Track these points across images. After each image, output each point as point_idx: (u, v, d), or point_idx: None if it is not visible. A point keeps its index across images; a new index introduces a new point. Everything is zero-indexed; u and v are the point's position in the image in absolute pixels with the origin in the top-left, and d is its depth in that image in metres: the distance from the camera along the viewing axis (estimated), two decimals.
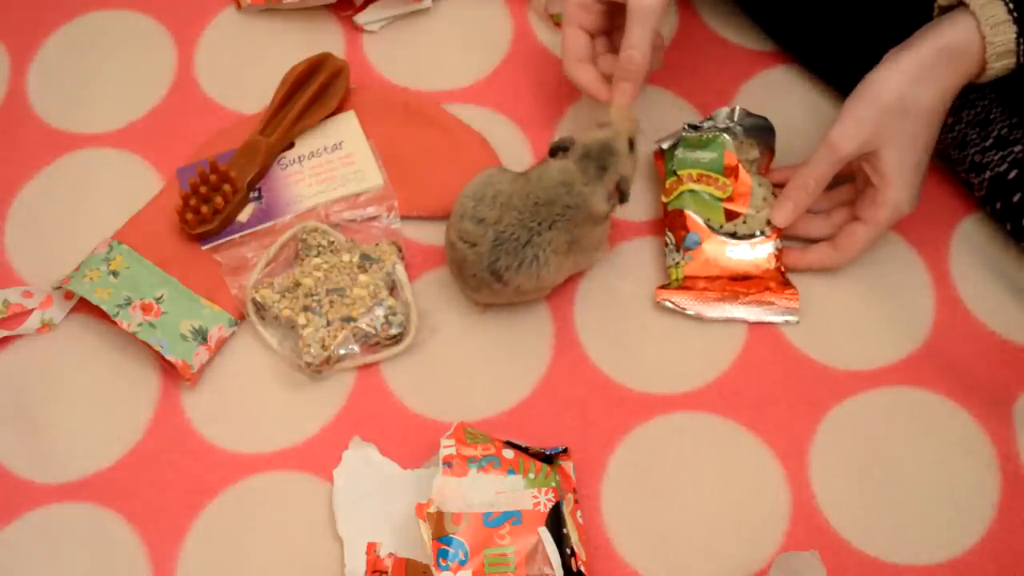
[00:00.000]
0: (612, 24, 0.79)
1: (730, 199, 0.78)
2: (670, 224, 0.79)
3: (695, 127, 0.81)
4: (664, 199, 0.80)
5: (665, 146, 0.81)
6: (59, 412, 0.75)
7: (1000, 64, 0.69)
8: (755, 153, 0.80)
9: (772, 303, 0.77)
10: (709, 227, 0.77)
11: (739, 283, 0.77)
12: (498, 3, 0.92)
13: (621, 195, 0.74)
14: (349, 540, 0.69)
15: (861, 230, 0.75)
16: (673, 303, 0.77)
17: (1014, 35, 0.68)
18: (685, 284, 0.77)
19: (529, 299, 0.77)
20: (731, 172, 0.78)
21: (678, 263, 0.77)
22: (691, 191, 0.78)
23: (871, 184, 0.74)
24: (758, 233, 0.78)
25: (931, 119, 0.71)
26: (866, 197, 0.75)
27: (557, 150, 0.74)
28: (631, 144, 0.75)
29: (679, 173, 0.79)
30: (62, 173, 0.85)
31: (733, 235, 0.78)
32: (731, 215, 0.78)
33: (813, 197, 0.75)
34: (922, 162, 0.73)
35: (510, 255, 0.71)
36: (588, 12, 0.78)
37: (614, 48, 0.80)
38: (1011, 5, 0.67)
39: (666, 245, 0.79)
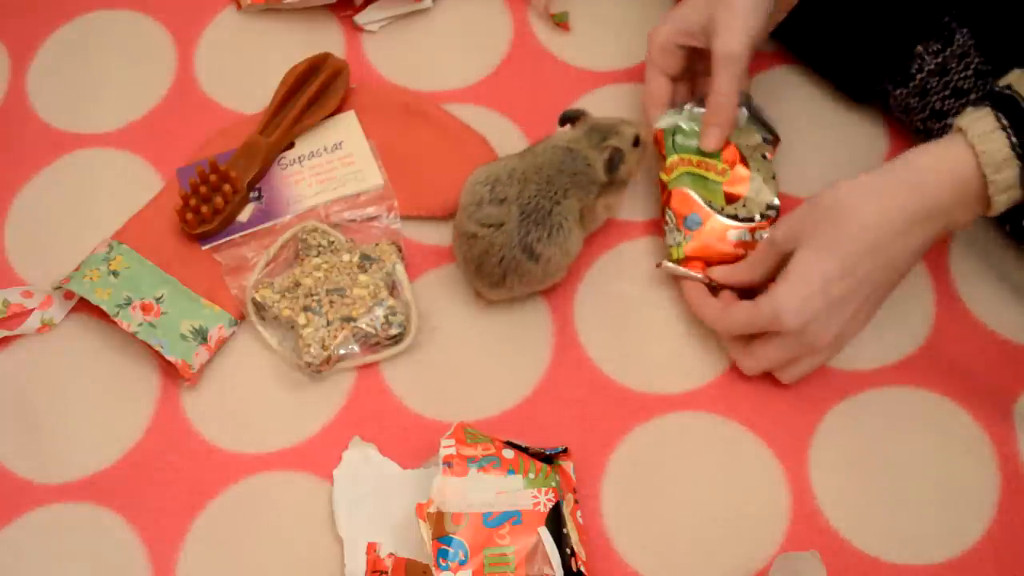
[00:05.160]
0: (694, 69, 0.79)
1: (730, 183, 0.78)
2: (671, 202, 0.78)
3: (700, 103, 0.79)
4: (664, 177, 0.79)
5: (664, 125, 0.80)
6: (59, 412, 0.75)
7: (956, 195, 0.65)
8: (757, 138, 0.79)
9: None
10: (711, 208, 0.77)
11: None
12: (498, 3, 0.92)
13: (610, 161, 0.74)
14: (349, 540, 0.69)
15: (745, 307, 0.70)
16: (679, 268, 0.76)
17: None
18: (685, 264, 0.77)
19: (545, 285, 0.77)
20: (729, 158, 0.78)
21: (679, 243, 0.77)
22: (691, 173, 0.78)
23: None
24: (758, 216, 0.77)
25: (866, 235, 0.65)
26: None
27: (568, 119, 0.78)
28: (636, 140, 0.77)
29: (679, 156, 0.79)
30: (62, 173, 0.85)
31: (735, 218, 0.77)
32: (731, 198, 0.78)
33: (753, 278, 0.72)
34: (835, 289, 0.66)
35: (540, 225, 0.73)
36: (671, 57, 0.78)
37: (694, 93, 0.81)
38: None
39: (666, 224, 0.78)
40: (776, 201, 0.78)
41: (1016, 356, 0.75)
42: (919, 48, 0.78)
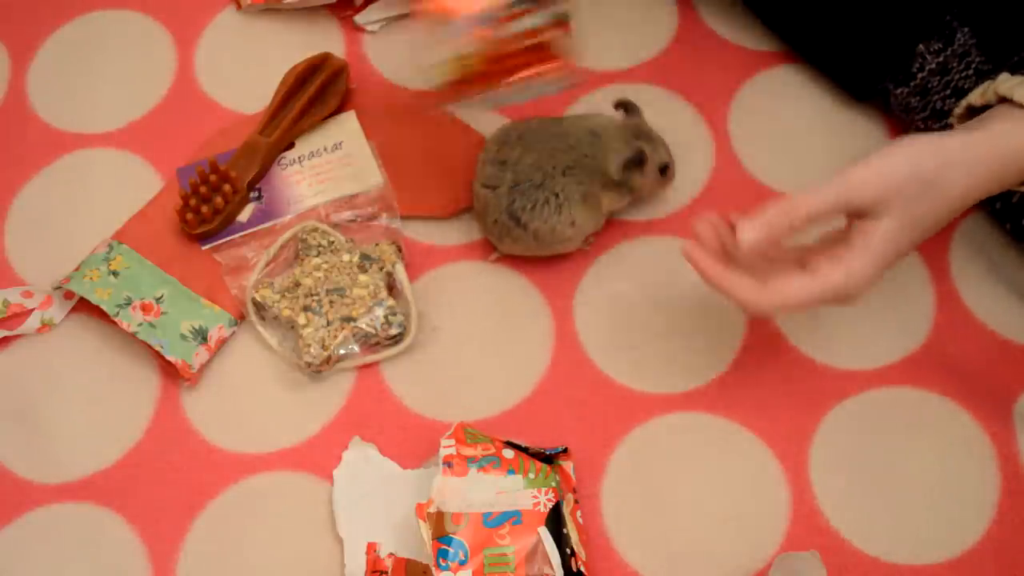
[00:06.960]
0: None
1: None
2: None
3: None
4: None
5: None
6: (59, 412, 0.75)
7: None
8: None
9: (540, 77, 0.67)
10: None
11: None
12: None
13: (628, 160, 0.74)
14: (349, 540, 0.69)
15: (803, 281, 0.62)
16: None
17: None
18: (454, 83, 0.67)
19: (550, 252, 0.77)
20: None
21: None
22: None
23: (843, 242, 0.63)
24: None
25: (946, 213, 0.63)
26: (828, 251, 0.64)
27: (622, 104, 0.78)
28: (665, 168, 0.77)
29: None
30: (62, 173, 0.85)
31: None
32: None
33: (794, 229, 0.62)
34: (902, 250, 0.63)
35: (525, 196, 0.73)
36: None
37: None
38: None
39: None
40: None
41: (1016, 356, 0.75)
42: (920, 47, 0.78)
